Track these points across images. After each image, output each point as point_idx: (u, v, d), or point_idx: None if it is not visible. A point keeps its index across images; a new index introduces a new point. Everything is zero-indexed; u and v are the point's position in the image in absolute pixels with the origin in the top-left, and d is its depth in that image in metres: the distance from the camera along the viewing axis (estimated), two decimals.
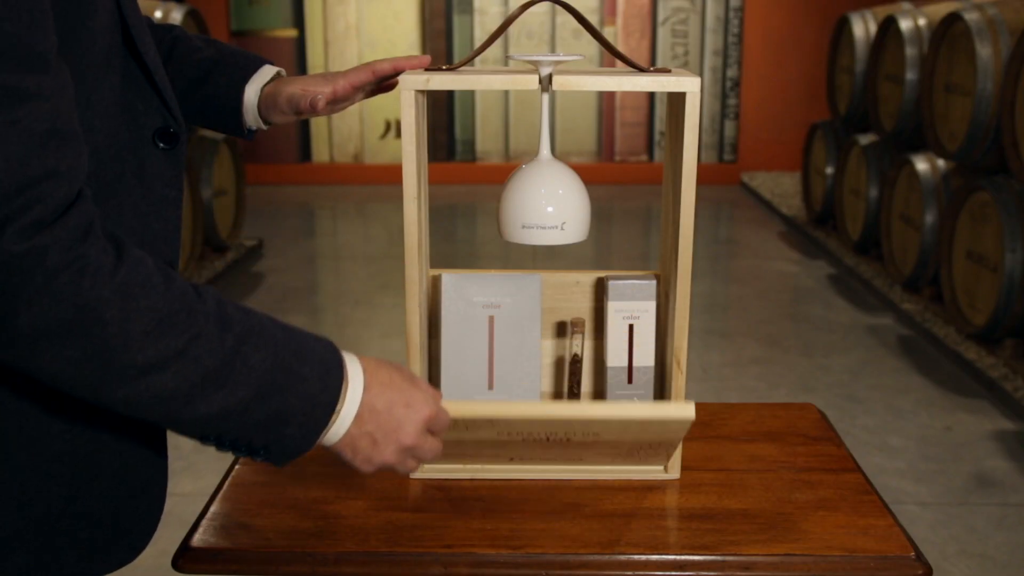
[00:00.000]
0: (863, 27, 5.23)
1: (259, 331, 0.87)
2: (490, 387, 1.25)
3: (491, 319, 1.27)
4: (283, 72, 1.27)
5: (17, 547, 0.92)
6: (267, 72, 1.25)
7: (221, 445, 0.89)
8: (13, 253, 0.74)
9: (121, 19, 0.93)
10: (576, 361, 1.30)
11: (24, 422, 0.90)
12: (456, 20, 7.28)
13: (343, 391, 0.92)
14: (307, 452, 0.92)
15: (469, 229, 6.48)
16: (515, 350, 1.28)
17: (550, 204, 1.17)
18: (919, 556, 1.07)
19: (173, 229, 1.01)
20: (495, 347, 1.27)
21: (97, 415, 0.94)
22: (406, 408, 0.95)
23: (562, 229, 1.18)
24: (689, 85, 1.12)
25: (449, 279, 1.28)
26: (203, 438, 0.89)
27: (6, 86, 0.73)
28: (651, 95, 7.26)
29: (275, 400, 0.87)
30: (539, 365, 1.29)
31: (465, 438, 1.08)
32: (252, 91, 1.23)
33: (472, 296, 1.27)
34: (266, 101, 1.23)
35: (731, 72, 7.42)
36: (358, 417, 0.93)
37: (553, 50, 7.27)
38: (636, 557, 1.06)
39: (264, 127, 1.27)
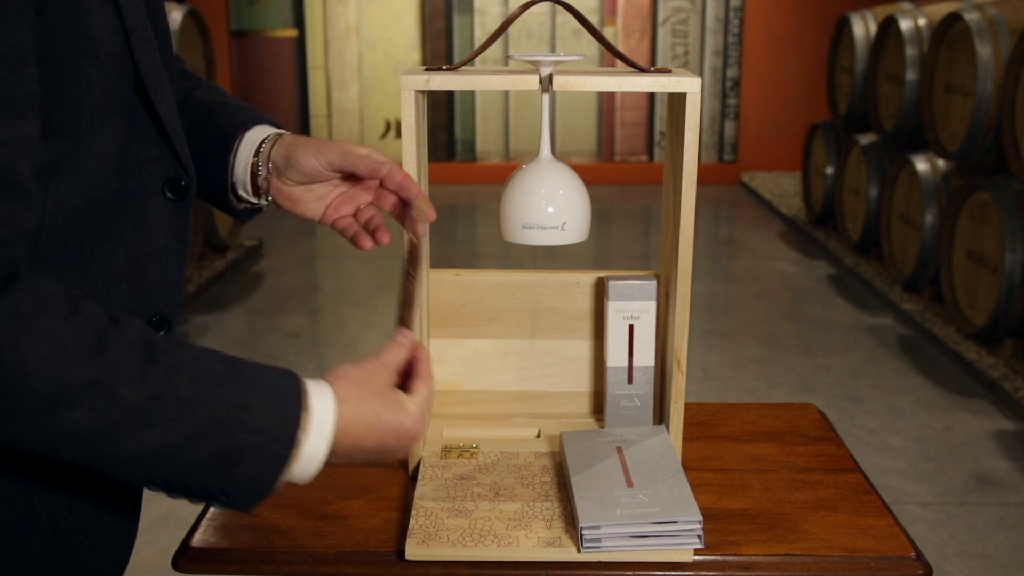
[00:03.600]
0: (863, 27, 5.23)
1: (194, 362, 0.80)
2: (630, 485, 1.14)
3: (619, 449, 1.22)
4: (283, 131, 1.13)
5: None
6: (268, 129, 1.10)
7: (170, 489, 0.82)
8: None
9: (134, 66, 0.88)
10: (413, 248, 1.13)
11: None
12: (456, 20, 7.28)
13: (303, 419, 0.83)
14: (272, 492, 0.84)
15: (469, 229, 6.48)
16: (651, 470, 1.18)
17: (550, 204, 1.17)
18: (919, 556, 1.07)
19: (173, 281, 0.96)
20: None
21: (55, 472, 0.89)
22: (396, 439, 0.89)
23: (562, 229, 1.18)
24: (689, 85, 1.11)
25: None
26: (147, 482, 0.81)
27: None
28: (651, 95, 7.26)
29: (219, 437, 0.79)
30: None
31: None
32: (254, 136, 1.09)
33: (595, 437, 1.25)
34: (292, 148, 1.07)
35: (731, 72, 7.41)
36: (337, 447, 0.85)
37: (553, 50, 7.27)
38: (636, 558, 1.06)
39: (256, 194, 1.09)
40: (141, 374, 0.76)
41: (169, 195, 0.93)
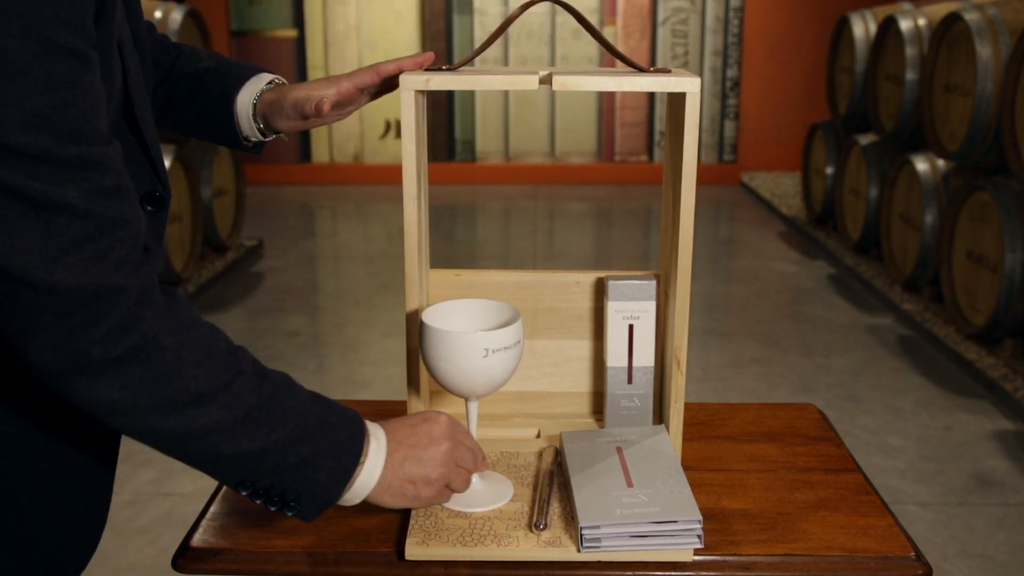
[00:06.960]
0: (863, 27, 5.23)
1: (290, 384, 0.96)
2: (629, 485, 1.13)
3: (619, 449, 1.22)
4: (281, 80, 1.27)
5: None
6: (262, 79, 1.25)
7: (256, 492, 0.96)
8: (109, 286, 0.82)
9: (126, 96, 0.98)
10: None
11: None
12: (456, 20, 7.28)
13: (367, 440, 1.00)
14: (334, 501, 0.99)
15: (469, 229, 6.48)
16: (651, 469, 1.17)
17: None
18: (919, 556, 1.07)
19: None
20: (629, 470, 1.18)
21: (39, 433, 0.96)
22: (429, 444, 1.04)
23: None
24: (689, 85, 1.12)
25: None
26: (240, 483, 0.95)
27: (81, 155, 0.81)
28: (651, 95, 7.26)
29: (307, 444, 0.94)
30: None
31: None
32: (245, 98, 1.23)
33: (595, 437, 1.25)
34: (270, 108, 1.23)
35: (731, 72, 7.42)
36: (390, 464, 1.01)
37: (553, 50, 7.27)
38: (636, 558, 1.06)
39: (264, 138, 1.27)
40: (257, 385, 0.92)
41: (148, 207, 1.03)
